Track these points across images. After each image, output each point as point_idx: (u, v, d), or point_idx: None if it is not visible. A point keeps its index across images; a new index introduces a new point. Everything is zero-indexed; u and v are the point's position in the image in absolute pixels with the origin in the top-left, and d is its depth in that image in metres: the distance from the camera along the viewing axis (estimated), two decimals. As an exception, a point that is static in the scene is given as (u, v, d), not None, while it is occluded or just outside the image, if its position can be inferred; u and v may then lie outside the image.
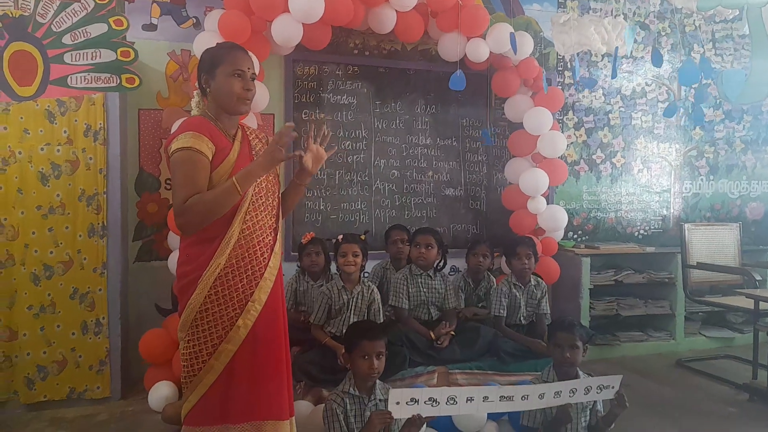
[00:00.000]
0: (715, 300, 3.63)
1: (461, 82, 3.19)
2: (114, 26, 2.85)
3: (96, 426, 2.68)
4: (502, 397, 1.88)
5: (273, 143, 1.67)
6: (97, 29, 2.83)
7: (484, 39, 3.28)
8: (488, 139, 3.60)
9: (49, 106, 2.81)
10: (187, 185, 1.64)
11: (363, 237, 2.74)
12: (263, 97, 3.06)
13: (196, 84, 1.83)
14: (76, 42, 2.82)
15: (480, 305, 3.21)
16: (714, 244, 3.81)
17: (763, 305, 3.11)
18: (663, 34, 4.34)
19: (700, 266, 3.66)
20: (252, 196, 1.74)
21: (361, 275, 2.71)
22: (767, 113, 4.63)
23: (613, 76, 3.13)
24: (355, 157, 3.67)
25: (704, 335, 4.09)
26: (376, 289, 2.71)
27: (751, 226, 4.54)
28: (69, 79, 2.83)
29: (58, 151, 2.83)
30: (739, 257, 3.87)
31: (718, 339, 4.09)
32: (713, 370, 3.52)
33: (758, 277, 3.45)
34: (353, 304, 2.62)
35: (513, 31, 3.21)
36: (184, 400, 1.76)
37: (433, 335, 2.74)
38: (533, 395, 1.91)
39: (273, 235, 1.80)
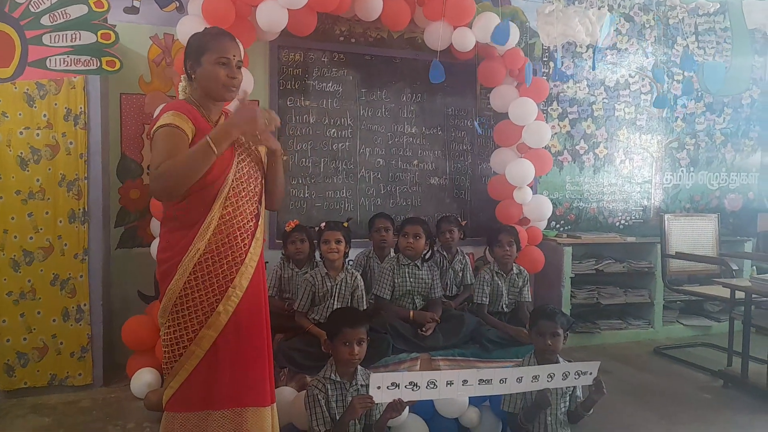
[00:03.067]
0: (692, 289, 3.70)
1: (440, 73, 3.17)
2: (94, 8, 2.80)
3: (78, 413, 2.67)
4: (481, 381, 1.91)
5: (257, 112, 1.71)
6: (76, 10, 2.78)
7: (471, 28, 3.28)
8: (478, 129, 3.57)
9: (28, 89, 2.76)
10: (164, 155, 1.61)
11: (346, 224, 2.74)
12: (248, 83, 3.02)
13: (184, 68, 1.81)
14: (55, 23, 2.76)
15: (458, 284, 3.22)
16: (693, 235, 3.88)
17: (738, 294, 3.17)
18: (647, 26, 4.37)
19: (679, 256, 3.73)
20: (233, 181, 1.73)
21: (345, 262, 2.71)
22: (747, 106, 4.70)
23: (593, 68, 3.16)
24: (340, 145, 3.65)
25: (682, 324, 4.17)
26: (359, 276, 2.71)
27: (729, 217, 4.62)
28: (48, 61, 2.78)
29: (38, 135, 2.79)
30: (717, 247, 3.95)
31: (696, 327, 4.18)
32: (690, 357, 3.60)
33: (735, 267, 3.51)
34: (337, 291, 2.63)
35: (500, 20, 3.21)
36: (165, 387, 1.76)
37: (413, 314, 2.75)
38: (511, 379, 1.95)
39: (254, 221, 1.79)
